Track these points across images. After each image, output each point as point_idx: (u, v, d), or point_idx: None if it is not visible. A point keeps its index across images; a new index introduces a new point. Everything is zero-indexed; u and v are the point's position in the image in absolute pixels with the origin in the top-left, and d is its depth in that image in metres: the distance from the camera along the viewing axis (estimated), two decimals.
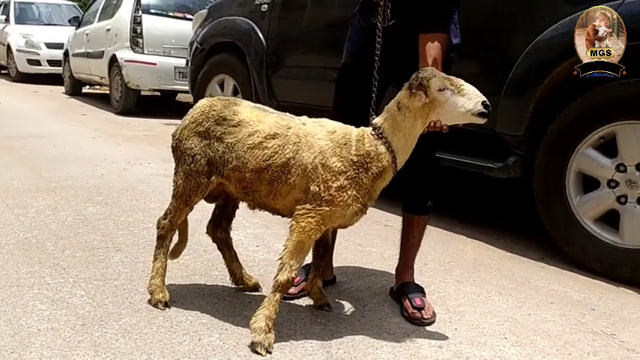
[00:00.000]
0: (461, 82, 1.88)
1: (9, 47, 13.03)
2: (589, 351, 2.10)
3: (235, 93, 5.28)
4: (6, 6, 14.06)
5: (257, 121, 2.02)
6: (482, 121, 1.87)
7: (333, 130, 1.97)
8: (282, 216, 2.07)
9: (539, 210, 3.13)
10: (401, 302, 2.33)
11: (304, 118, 2.06)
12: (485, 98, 1.86)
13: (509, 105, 3.12)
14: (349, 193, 1.89)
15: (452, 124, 1.95)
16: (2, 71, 14.27)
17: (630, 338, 2.23)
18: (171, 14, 8.43)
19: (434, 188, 2.38)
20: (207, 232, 2.36)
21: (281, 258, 1.93)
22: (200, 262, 2.67)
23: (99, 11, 9.53)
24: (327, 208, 1.89)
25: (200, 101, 2.17)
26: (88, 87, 11.73)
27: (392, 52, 2.20)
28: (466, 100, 1.85)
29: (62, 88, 11.54)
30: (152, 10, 8.25)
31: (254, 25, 4.91)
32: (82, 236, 2.91)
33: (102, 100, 9.82)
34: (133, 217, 3.30)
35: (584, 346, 2.14)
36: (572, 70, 2.95)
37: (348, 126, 2.01)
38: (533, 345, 2.11)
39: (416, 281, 2.44)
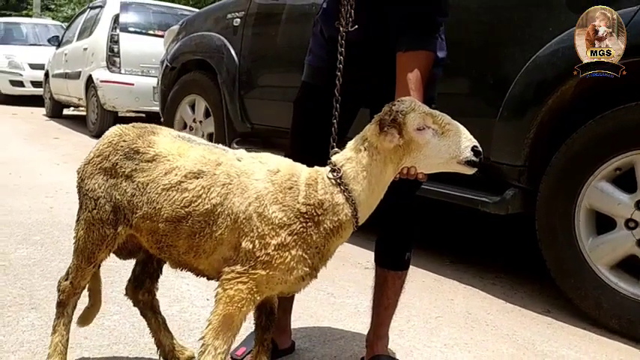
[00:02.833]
0: (447, 119, 1.44)
1: None
2: None
3: (208, 115, 4.84)
4: None
5: (177, 154, 1.55)
6: (470, 171, 1.43)
7: (275, 170, 1.50)
8: (209, 279, 1.58)
9: (543, 253, 2.65)
10: None
11: (241, 152, 1.59)
12: (476, 142, 1.42)
13: (505, 130, 2.67)
14: (293, 253, 1.41)
15: (431, 172, 1.49)
16: None
17: None
18: (151, 32, 8.06)
19: (412, 237, 1.90)
20: (126, 294, 1.88)
21: (203, 337, 1.45)
22: (129, 325, 2.18)
23: (77, 30, 9.17)
24: (262, 272, 1.41)
25: (110, 129, 1.71)
26: (72, 109, 11.31)
27: (362, 66, 1.76)
28: (451, 144, 1.41)
29: (44, 110, 11.13)
30: (131, 29, 7.90)
31: (226, 41, 4.47)
32: None
33: (81, 123, 9.36)
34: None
35: None
36: (580, 88, 2.52)
37: (297, 164, 1.55)
38: None
39: (396, 346, 1.99)
